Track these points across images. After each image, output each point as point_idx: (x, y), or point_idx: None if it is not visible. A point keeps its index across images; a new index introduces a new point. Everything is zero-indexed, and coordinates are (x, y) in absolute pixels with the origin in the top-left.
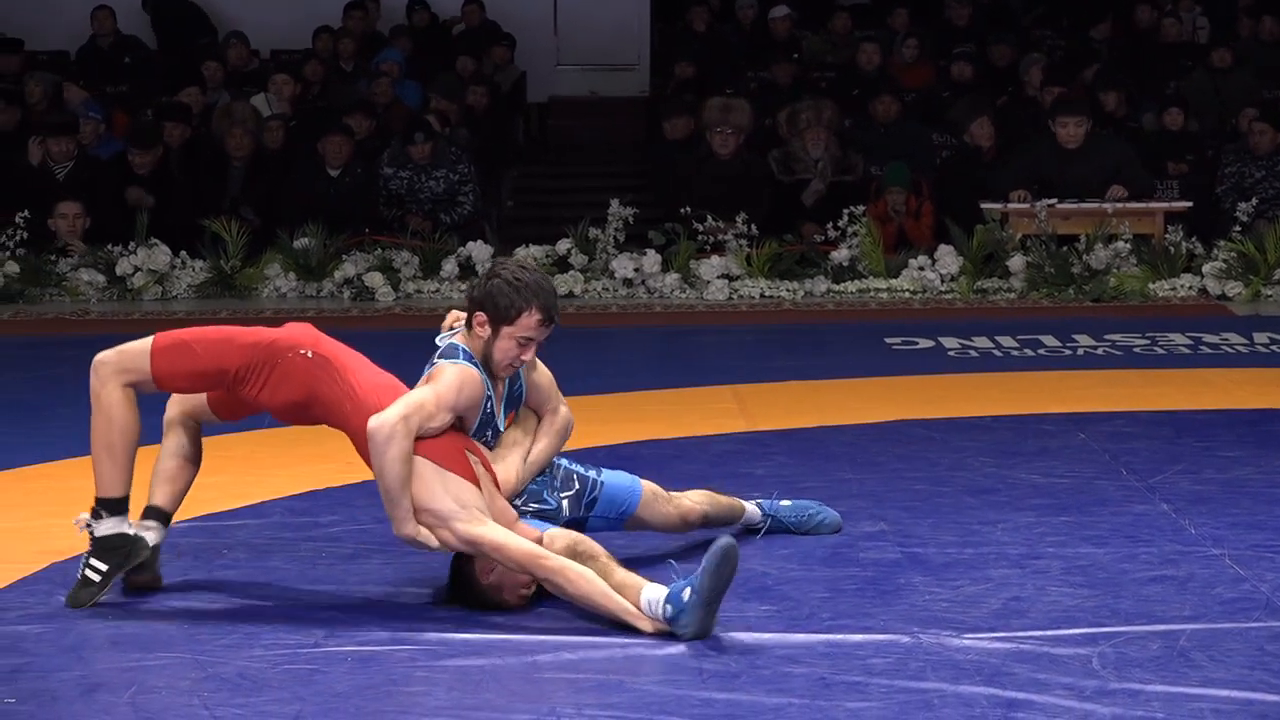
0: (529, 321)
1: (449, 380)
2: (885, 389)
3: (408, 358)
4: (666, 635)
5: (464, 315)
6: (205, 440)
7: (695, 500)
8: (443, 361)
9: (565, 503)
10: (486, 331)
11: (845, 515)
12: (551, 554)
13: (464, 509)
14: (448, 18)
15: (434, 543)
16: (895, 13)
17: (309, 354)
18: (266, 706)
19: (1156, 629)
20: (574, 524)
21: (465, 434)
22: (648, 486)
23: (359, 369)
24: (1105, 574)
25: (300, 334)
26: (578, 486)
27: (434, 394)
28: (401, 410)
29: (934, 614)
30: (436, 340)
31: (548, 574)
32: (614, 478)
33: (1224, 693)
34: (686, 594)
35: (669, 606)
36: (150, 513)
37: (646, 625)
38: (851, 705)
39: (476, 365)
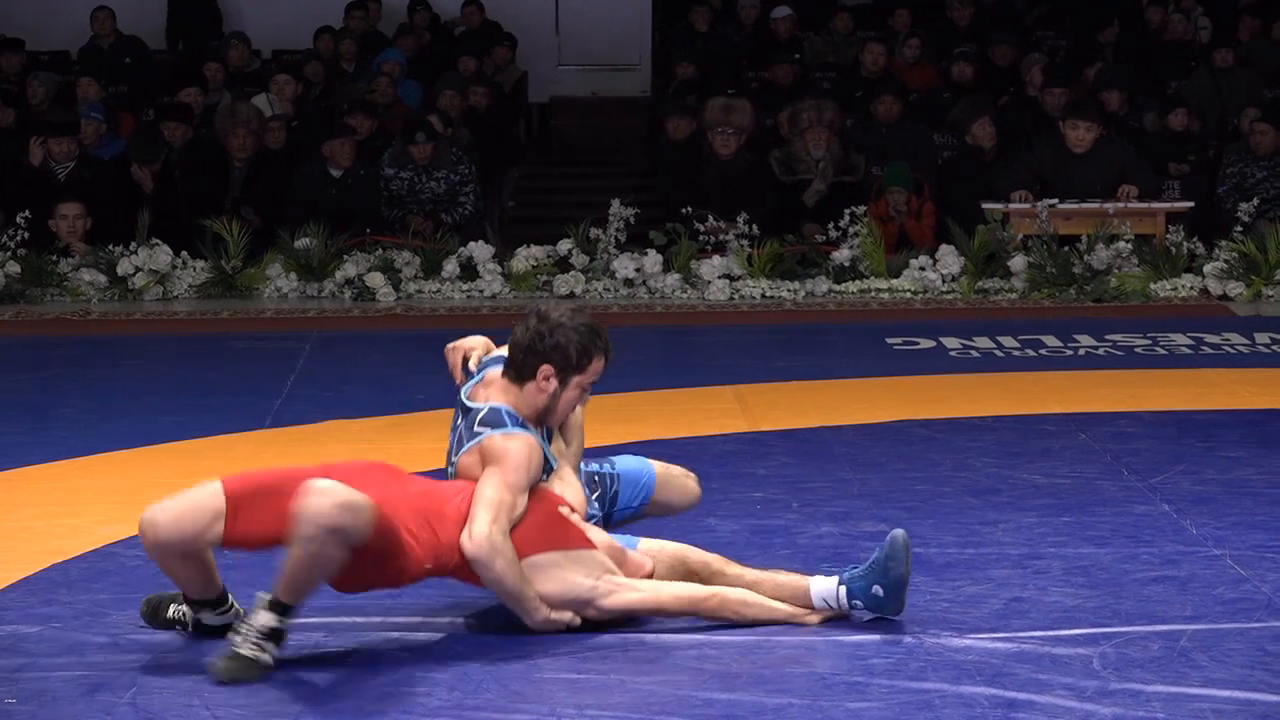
0: (598, 366)
1: (516, 461)
2: (887, 389)
3: (408, 357)
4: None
5: (480, 355)
6: (209, 441)
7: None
8: (493, 434)
9: (596, 504)
10: (552, 385)
11: (846, 515)
12: (706, 590)
13: (598, 581)
14: (449, 18)
15: (576, 620)
16: (897, 13)
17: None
18: (267, 707)
19: (1158, 629)
20: (601, 521)
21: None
22: (655, 462)
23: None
24: (1106, 574)
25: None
26: (600, 485)
27: (507, 486)
28: (488, 519)
29: (935, 614)
30: (464, 399)
31: (712, 613)
32: (623, 461)
33: (1225, 693)
34: (878, 590)
35: (858, 601)
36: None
37: (814, 619)
38: (852, 705)
39: (527, 427)
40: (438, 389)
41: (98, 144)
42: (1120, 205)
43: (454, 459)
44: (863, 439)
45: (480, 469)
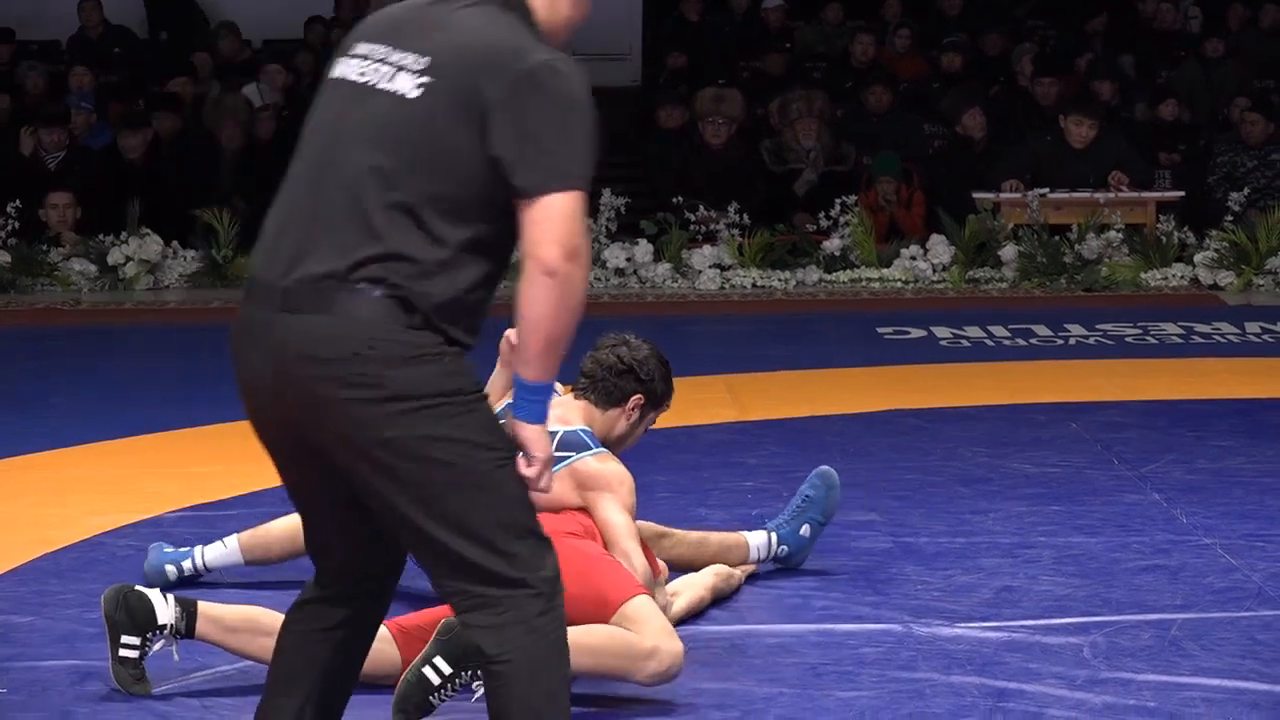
0: (669, 402)
1: (621, 480)
2: (877, 379)
3: None
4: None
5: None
6: (201, 430)
7: None
8: (583, 456)
9: None
10: (635, 415)
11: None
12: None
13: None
14: None
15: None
16: (887, 3)
17: None
18: (254, 699)
19: (1148, 618)
20: None
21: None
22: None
23: None
24: (1097, 563)
25: None
26: None
27: (627, 509)
28: (637, 549)
29: (925, 603)
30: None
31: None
32: None
33: (1215, 681)
34: (806, 530)
35: (784, 546)
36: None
37: (740, 575)
38: (843, 694)
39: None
40: None
41: (88, 134)
42: (1111, 195)
43: None
44: (853, 428)
45: (573, 494)
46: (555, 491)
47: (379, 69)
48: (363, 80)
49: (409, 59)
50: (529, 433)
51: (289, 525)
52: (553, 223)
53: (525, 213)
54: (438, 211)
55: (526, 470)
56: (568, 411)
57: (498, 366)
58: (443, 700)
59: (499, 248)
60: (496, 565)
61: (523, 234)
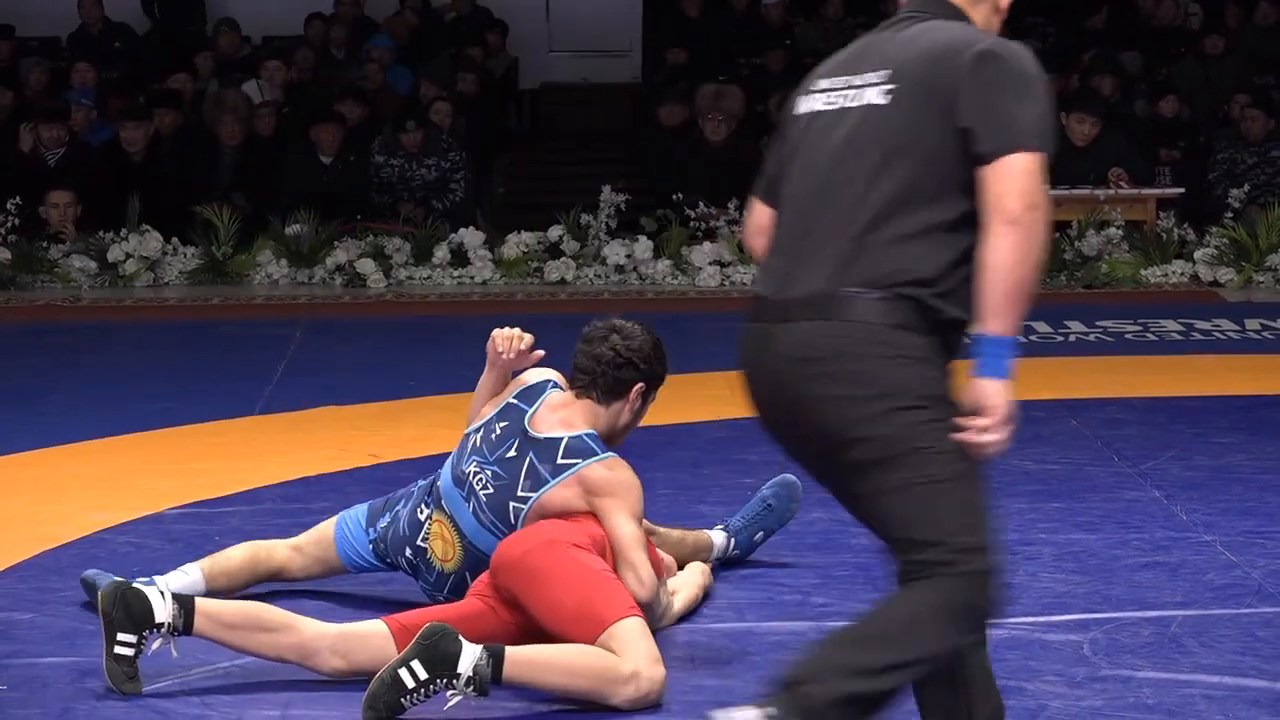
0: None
1: (629, 486)
2: None
3: (399, 344)
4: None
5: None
6: (201, 427)
7: None
8: (590, 463)
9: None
10: (639, 402)
11: (836, 502)
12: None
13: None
14: (439, 4)
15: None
16: None
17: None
18: (258, 693)
19: (1148, 615)
20: None
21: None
22: None
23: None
24: (1097, 560)
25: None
26: None
27: (635, 517)
28: (645, 559)
29: None
30: (530, 430)
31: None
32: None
33: (1215, 679)
34: (759, 536)
35: (737, 550)
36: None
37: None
38: None
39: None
40: (428, 375)
41: (88, 130)
42: (1111, 192)
43: (526, 493)
44: None
45: (578, 501)
46: (563, 498)
47: (845, 94)
48: (832, 107)
49: (870, 77)
50: (991, 388)
51: (249, 552)
52: (1015, 178)
53: (989, 175)
54: (918, 205)
55: (981, 436)
56: (572, 414)
57: (486, 368)
58: (414, 704)
59: (971, 229)
60: (940, 555)
61: (986, 194)
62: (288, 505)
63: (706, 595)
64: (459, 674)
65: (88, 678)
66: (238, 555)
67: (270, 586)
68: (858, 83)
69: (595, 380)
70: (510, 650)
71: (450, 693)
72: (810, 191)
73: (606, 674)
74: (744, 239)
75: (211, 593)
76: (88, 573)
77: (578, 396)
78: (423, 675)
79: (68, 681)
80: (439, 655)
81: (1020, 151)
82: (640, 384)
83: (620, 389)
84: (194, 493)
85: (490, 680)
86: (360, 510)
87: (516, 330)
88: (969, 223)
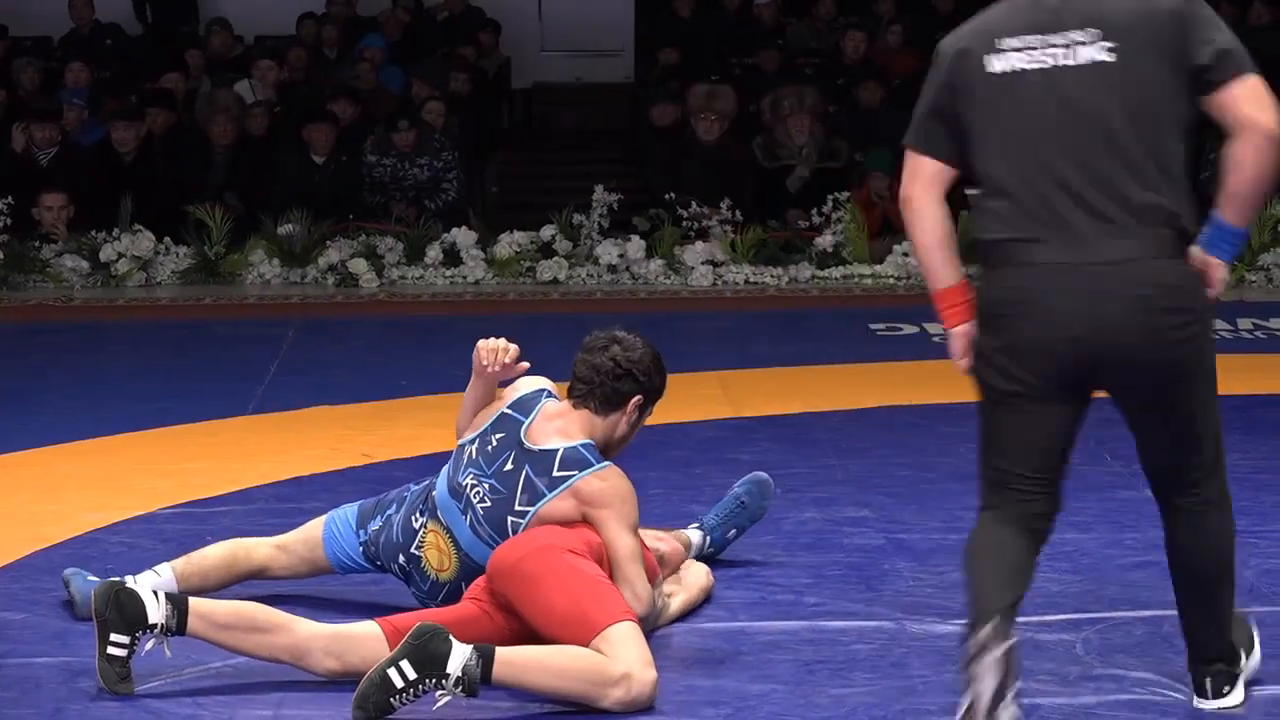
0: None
1: (624, 497)
2: (870, 375)
3: (390, 344)
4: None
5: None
6: (194, 427)
7: None
8: (584, 475)
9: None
10: (636, 415)
11: (830, 501)
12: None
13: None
14: (431, 4)
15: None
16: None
17: None
18: (250, 693)
19: (1141, 614)
20: None
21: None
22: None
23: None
24: (1090, 559)
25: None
26: None
27: (631, 529)
28: (641, 573)
29: (918, 600)
30: (525, 441)
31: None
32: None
33: None
34: (732, 534)
35: (713, 548)
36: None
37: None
38: (835, 691)
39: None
40: (421, 375)
41: (80, 130)
42: None
43: (524, 508)
44: (846, 424)
45: (576, 514)
46: (561, 510)
47: (1052, 52)
48: (1041, 65)
49: (1078, 35)
50: (1221, 268)
51: (227, 550)
52: (1260, 96)
53: (1228, 95)
54: (1170, 146)
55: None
56: (568, 424)
57: (472, 379)
58: (403, 704)
59: (1187, 161)
60: (1208, 459)
61: (1230, 111)
62: (280, 505)
63: (708, 598)
64: (448, 674)
65: (80, 678)
66: (214, 554)
67: (268, 589)
68: (1061, 41)
69: (593, 390)
70: (500, 651)
71: (439, 693)
72: (1063, 145)
73: (596, 676)
74: (905, 189)
75: (186, 592)
76: (67, 571)
77: (575, 406)
78: (411, 675)
79: (60, 681)
80: (428, 655)
81: (1252, 74)
82: (638, 396)
83: (618, 400)
84: (187, 492)
85: (479, 681)
86: (350, 511)
87: (501, 341)
88: (1187, 158)
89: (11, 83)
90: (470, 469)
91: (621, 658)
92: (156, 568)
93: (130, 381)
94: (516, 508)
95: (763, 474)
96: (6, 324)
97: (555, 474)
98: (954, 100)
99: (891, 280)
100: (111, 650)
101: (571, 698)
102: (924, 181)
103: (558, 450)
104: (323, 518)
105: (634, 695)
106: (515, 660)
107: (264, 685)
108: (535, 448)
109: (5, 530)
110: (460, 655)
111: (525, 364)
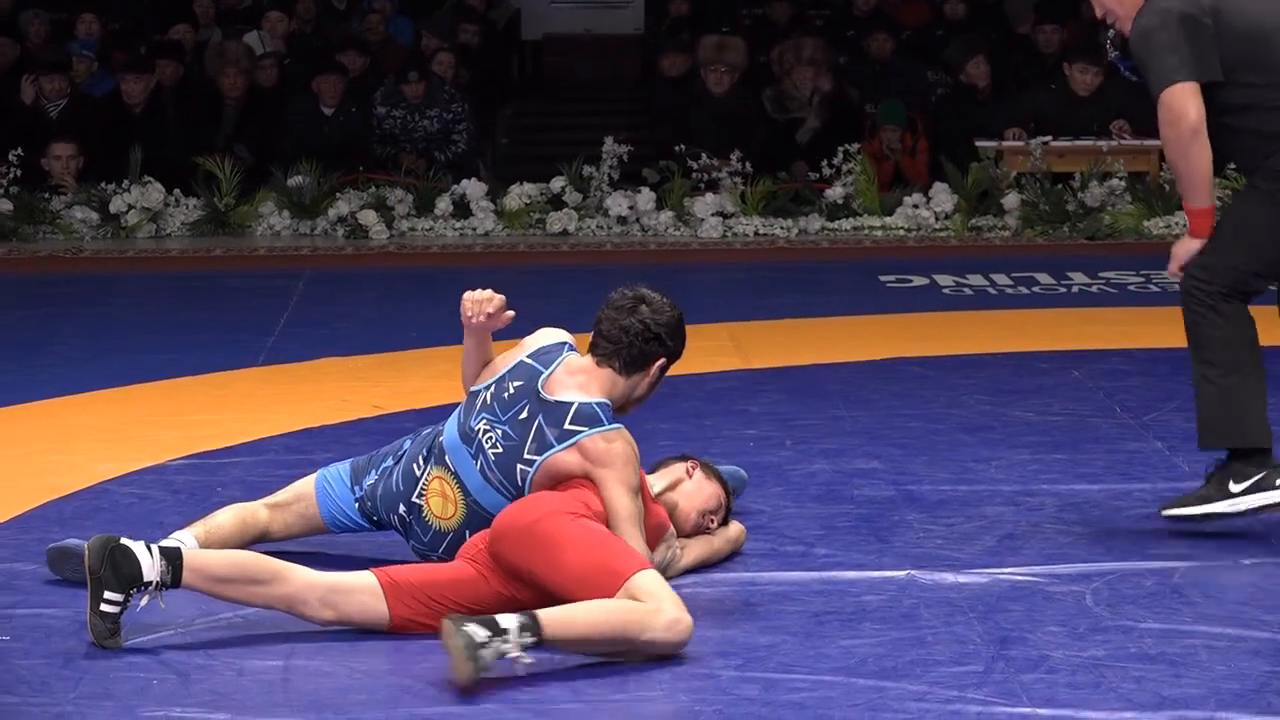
0: None
1: (626, 460)
2: (880, 327)
3: (401, 295)
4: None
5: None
6: (204, 378)
7: None
8: (592, 434)
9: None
10: (657, 375)
11: (839, 453)
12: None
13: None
14: None
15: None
16: None
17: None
18: (258, 644)
19: (1150, 566)
20: None
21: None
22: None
23: None
24: (1099, 511)
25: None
26: None
27: (631, 491)
28: (640, 537)
29: (928, 551)
30: (542, 392)
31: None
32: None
33: (1216, 629)
34: None
35: None
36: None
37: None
38: (845, 643)
39: (616, 419)
40: (430, 326)
41: (89, 82)
42: (1113, 143)
43: (532, 456)
44: (856, 376)
45: (579, 470)
46: (566, 464)
47: None
48: None
49: None
50: None
51: (236, 515)
52: None
53: None
54: None
55: None
56: (590, 380)
57: (465, 334)
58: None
59: None
60: None
61: None
62: (290, 456)
63: (736, 552)
64: (508, 638)
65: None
66: (228, 523)
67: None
68: None
69: (619, 351)
70: (541, 612)
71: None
72: None
73: (640, 620)
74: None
75: None
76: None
77: (598, 364)
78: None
79: (71, 632)
80: (489, 621)
81: None
82: (662, 359)
83: (643, 362)
84: (197, 444)
85: (534, 639)
86: (342, 468)
87: (487, 292)
88: None
89: (20, 34)
90: (484, 414)
91: (656, 599)
92: (178, 535)
93: (140, 333)
94: (525, 456)
95: (741, 471)
96: (17, 275)
97: (566, 427)
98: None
99: (901, 232)
100: (104, 607)
101: (617, 643)
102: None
103: (573, 404)
104: (312, 475)
105: (677, 635)
106: (560, 617)
107: (273, 636)
108: (551, 398)
109: (16, 481)
110: (513, 621)
111: (511, 313)
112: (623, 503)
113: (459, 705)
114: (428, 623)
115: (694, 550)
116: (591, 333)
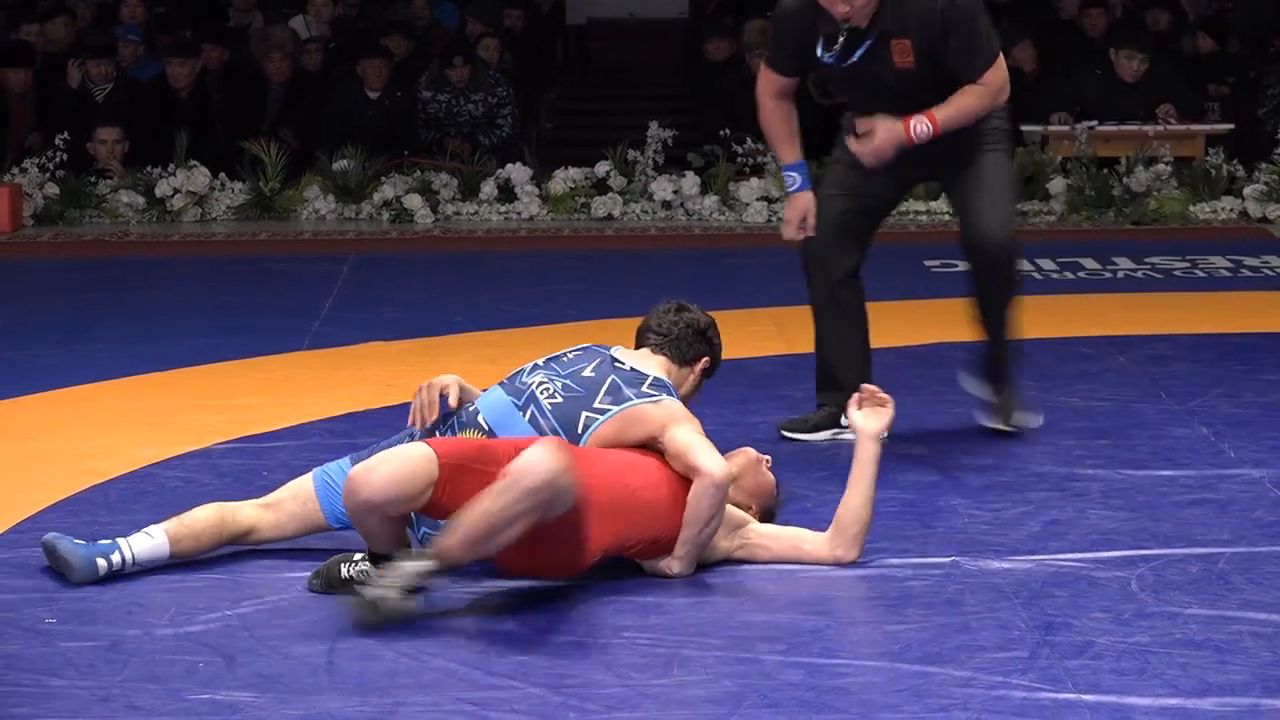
0: None
1: (687, 414)
2: (924, 311)
3: (445, 279)
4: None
5: (458, 391)
6: (246, 362)
7: None
8: (665, 399)
9: None
10: (697, 378)
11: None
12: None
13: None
14: None
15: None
16: None
17: None
18: (303, 629)
19: (1195, 552)
20: None
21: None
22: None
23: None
24: (1144, 497)
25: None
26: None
27: (697, 432)
28: (712, 450)
29: (972, 536)
30: (617, 358)
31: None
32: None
33: (1262, 615)
34: None
35: None
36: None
37: None
38: (889, 628)
39: None
40: (475, 311)
41: (135, 66)
42: (1160, 128)
43: (606, 405)
44: (900, 361)
45: (659, 423)
46: (652, 416)
47: None
48: None
49: None
50: None
51: (215, 512)
52: None
53: None
54: None
55: None
56: (647, 364)
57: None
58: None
59: None
60: None
61: None
62: (335, 440)
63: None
64: None
65: (134, 611)
66: (204, 516)
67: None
68: None
69: (669, 341)
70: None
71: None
72: None
73: (510, 476)
74: None
75: (177, 555)
76: (48, 537)
77: (654, 353)
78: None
79: (115, 615)
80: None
81: None
82: (706, 360)
83: (691, 356)
84: (242, 428)
85: None
86: (343, 463)
87: (431, 396)
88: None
89: (67, 18)
90: (540, 371)
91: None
92: (149, 529)
93: (185, 317)
94: (596, 405)
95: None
96: (63, 259)
97: (645, 389)
98: None
99: (946, 217)
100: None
101: (506, 510)
102: None
103: (649, 375)
104: (309, 474)
105: (534, 464)
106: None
107: (320, 619)
108: (626, 365)
109: (60, 465)
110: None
111: (454, 402)
112: (686, 433)
113: (504, 689)
114: (476, 468)
115: (737, 535)
116: (635, 339)
